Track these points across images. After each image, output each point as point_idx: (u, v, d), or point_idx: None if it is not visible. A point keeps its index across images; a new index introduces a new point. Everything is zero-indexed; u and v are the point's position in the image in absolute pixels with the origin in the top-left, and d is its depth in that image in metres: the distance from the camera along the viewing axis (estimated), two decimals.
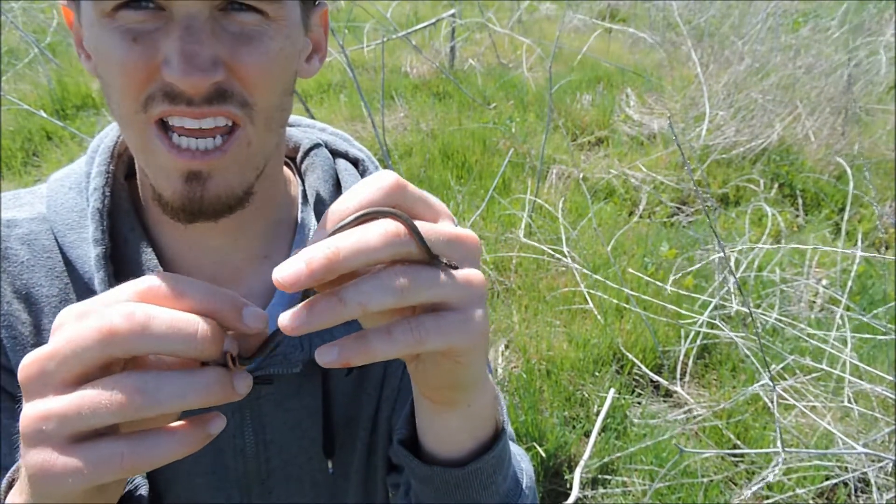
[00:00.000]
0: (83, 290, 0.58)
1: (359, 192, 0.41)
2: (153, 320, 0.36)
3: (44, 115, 2.36)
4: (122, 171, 0.62)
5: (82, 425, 0.36)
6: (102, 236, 0.56)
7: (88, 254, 0.57)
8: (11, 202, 0.61)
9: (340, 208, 0.41)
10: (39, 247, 0.58)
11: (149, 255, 0.58)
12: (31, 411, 0.36)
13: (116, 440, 0.36)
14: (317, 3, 0.58)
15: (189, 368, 0.38)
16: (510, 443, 0.68)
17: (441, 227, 0.42)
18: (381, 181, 0.41)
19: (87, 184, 0.59)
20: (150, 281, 0.38)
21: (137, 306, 0.36)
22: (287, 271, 0.36)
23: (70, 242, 0.58)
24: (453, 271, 0.42)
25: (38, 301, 0.58)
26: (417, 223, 0.41)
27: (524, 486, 0.60)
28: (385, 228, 0.39)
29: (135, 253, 0.58)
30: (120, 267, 0.58)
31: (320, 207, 0.65)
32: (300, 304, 0.37)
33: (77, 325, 0.37)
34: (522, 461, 0.65)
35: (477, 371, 0.47)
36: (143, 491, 0.53)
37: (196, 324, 0.37)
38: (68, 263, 0.58)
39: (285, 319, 0.36)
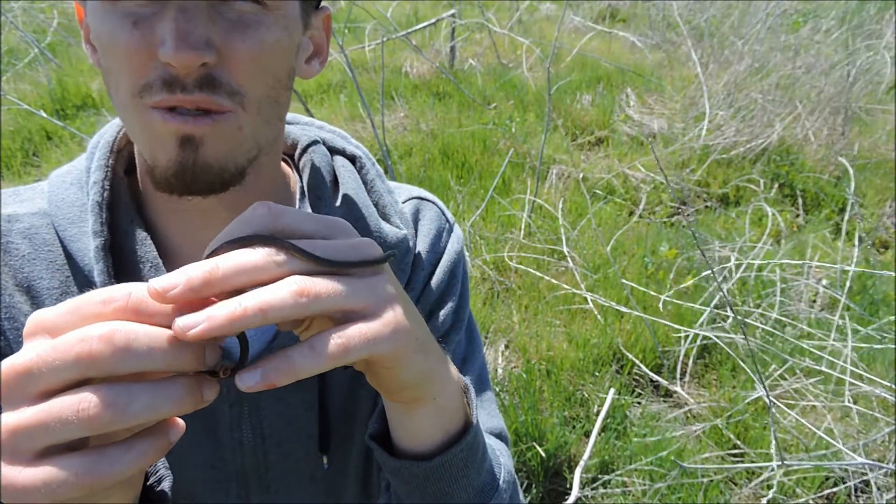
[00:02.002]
0: (83, 281, 0.59)
1: (232, 224, 0.41)
2: (134, 343, 0.35)
3: (44, 115, 2.36)
4: (122, 165, 0.62)
5: (49, 440, 0.35)
6: (101, 228, 0.57)
7: (88, 246, 0.58)
8: (12, 198, 0.62)
9: (214, 238, 0.41)
10: (40, 240, 0.59)
11: (148, 248, 0.59)
12: (5, 422, 0.36)
13: (73, 457, 0.35)
14: (319, 5, 0.59)
15: (160, 379, 0.37)
16: (490, 437, 0.68)
17: (331, 242, 0.42)
18: (254, 210, 0.41)
19: (88, 178, 0.60)
20: (118, 300, 0.37)
21: (117, 327, 0.35)
22: (162, 280, 0.35)
23: (71, 236, 0.58)
24: (354, 278, 0.41)
25: (39, 293, 0.58)
26: (304, 242, 0.40)
27: (501, 480, 0.60)
28: (266, 249, 0.39)
29: (133, 245, 0.59)
30: (119, 259, 0.58)
31: (317, 203, 0.65)
32: (203, 310, 0.36)
33: (53, 344, 0.35)
34: (502, 456, 0.65)
35: (421, 369, 0.46)
36: (166, 485, 0.52)
37: (176, 342, 0.36)
38: (69, 257, 0.59)
39: (179, 323, 0.35)
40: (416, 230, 0.71)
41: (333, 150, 0.70)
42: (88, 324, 0.36)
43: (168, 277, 0.36)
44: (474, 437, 0.55)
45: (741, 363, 2.46)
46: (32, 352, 0.36)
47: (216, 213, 0.58)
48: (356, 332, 0.40)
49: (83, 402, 0.34)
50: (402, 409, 0.52)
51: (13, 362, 0.36)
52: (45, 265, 0.59)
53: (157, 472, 0.52)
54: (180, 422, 0.40)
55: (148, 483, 0.50)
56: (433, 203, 0.74)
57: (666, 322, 2.54)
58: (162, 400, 0.36)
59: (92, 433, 0.35)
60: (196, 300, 0.37)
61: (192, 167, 0.51)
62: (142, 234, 0.59)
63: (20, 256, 0.58)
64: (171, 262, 0.61)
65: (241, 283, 0.37)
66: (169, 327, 0.36)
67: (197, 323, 0.35)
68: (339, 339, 0.39)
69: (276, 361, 0.38)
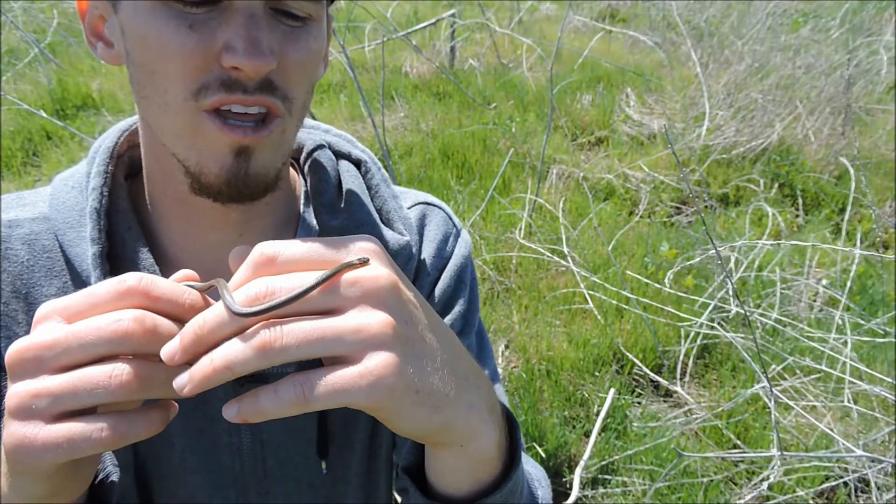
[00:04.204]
0: (81, 287, 0.58)
1: (237, 275, 0.41)
2: (159, 328, 0.40)
3: (44, 115, 2.36)
4: (122, 171, 0.62)
5: (74, 404, 0.38)
6: (99, 235, 0.57)
7: (86, 252, 0.58)
8: (14, 202, 0.62)
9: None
10: (40, 247, 0.59)
11: (145, 255, 0.59)
12: (22, 389, 0.38)
13: (97, 418, 0.39)
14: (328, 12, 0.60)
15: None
16: (528, 462, 0.65)
17: (314, 278, 0.39)
18: (253, 256, 0.40)
19: (87, 183, 0.60)
20: (130, 281, 0.40)
21: (146, 314, 0.40)
22: (166, 349, 0.39)
23: (70, 241, 0.58)
24: (338, 319, 0.38)
25: (37, 301, 0.58)
26: (284, 279, 0.39)
27: None
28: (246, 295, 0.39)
29: (131, 252, 0.59)
30: (116, 266, 0.58)
31: (320, 209, 0.65)
32: (186, 372, 0.38)
33: (86, 323, 0.39)
34: (540, 488, 0.63)
35: (427, 423, 0.41)
36: (115, 477, 0.54)
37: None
38: (68, 262, 0.59)
39: (175, 384, 0.38)
40: (421, 236, 0.71)
41: (339, 154, 0.70)
42: (104, 305, 0.40)
43: (170, 344, 0.39)
44: (514, 484, 0.51)
45: (743, 358, 2.46)
46: (55, 330, 0.39)
47: (226, 215, 0.59)
48: (321, 381, 0.37)
49: (116, 370, 0.38)
50: (429, 449, 0.50)
51: (33, 339, 0.39)
52: (44, 272, 0.59)
53: (105, 468, 0.54)
54: (175, 403, 0.43)
55: (97, 479, 0.52)
56: (440, 208, 0.74)
57: (669, 310, 2.54)
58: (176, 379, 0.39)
59: (116, 399, 0.38)
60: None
61: (244, 177, 0.53)
62: (139, 242, 0.59)
63: (19, 263, 0.58)
64: (169, 268, 0.61)
65: (222, 336, 0.38)
66: (170, 314, 0.41)
67: (184, 384, 0.38)
68: (301, 387, 0.37)
69: (249, 399, 0.38)
